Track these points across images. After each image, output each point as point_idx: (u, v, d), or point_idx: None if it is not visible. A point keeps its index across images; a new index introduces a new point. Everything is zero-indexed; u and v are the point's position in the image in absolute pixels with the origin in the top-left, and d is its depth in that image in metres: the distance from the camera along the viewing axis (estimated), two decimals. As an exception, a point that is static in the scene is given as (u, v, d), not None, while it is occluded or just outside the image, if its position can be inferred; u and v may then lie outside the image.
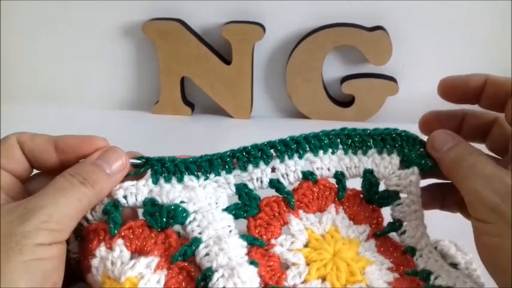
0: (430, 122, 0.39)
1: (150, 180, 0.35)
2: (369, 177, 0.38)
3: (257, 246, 0.35)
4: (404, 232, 0.37)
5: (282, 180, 0.37)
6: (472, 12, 0.66)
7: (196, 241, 0.33)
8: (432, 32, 0.68)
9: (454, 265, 0.37)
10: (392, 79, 0.69)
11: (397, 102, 0.70)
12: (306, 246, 0.36)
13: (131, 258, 0.31)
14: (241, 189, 0.37)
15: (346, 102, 0.72)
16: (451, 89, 0.38)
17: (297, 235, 0.36)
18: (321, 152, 0.38)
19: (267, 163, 0.37)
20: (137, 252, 0.32)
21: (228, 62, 0.69)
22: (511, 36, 0.66)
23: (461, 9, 0.66)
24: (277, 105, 0.75)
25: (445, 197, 0.39)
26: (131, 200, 0.34)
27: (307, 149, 0.38)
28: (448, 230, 0.39)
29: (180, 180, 0.36)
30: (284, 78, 0.70)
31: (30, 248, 0.27)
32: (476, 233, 0.33)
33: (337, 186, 0.38)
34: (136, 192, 0.34)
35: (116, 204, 0.33)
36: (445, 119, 0.39)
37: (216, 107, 0.73)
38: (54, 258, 0.29)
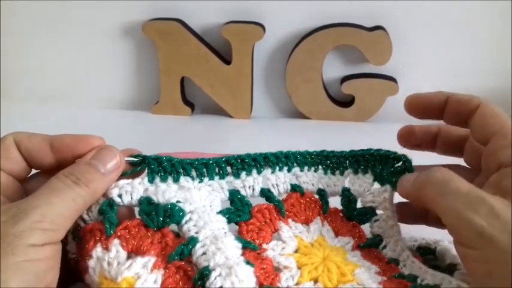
0: (406, 136, 0.41)
1: (145, 179, 0.35)
2: (347, 195, 0.40)
3: (250, 249, 0.35)
4: (385, 246, 0.38)
5: (272, 190, 0.39)
6: (472, 12, 0.66)
7: (193, 240, 0.33)
8: (432, 32, 0.68)
9: (454, 265, 0.37)
10: (392, 79, 0.69)
11: (397, 102, 0.68)
12: (295, 252, 0.36)
13: (128, 258, 0.31)
14: (235, 195, 0.37)
15: (346, 102, 0.72)
16: (415, 106, 0.39)
17: (288, 241, 0.37)
18: (305, 168, 0.40)
19: (259, 172, 0.39)
20: (134, 252, 0.32)
21: (228, 62, 0.69)
22: (511, 36, 0.66)
23: (461, 9, 0.66)
24: (277, 105, 0.75)
25: (427, 213, 0.39)
26: (126, 199, 0.34)
27: (295, 164, 0.40)
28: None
29: (176, 180, 0.36)
30: (284, 78, 0.70)
31: (22, 249, 0.27)
32: (464, 260, 0.31)
33: (321, 201, 0.40)
34: (131, 191, 0.34)
35: (110, 203, 0.33)
36: (420, 134, 0.40)
37: (216, 107, 0.73)
38: (47, 259, 0.29)
